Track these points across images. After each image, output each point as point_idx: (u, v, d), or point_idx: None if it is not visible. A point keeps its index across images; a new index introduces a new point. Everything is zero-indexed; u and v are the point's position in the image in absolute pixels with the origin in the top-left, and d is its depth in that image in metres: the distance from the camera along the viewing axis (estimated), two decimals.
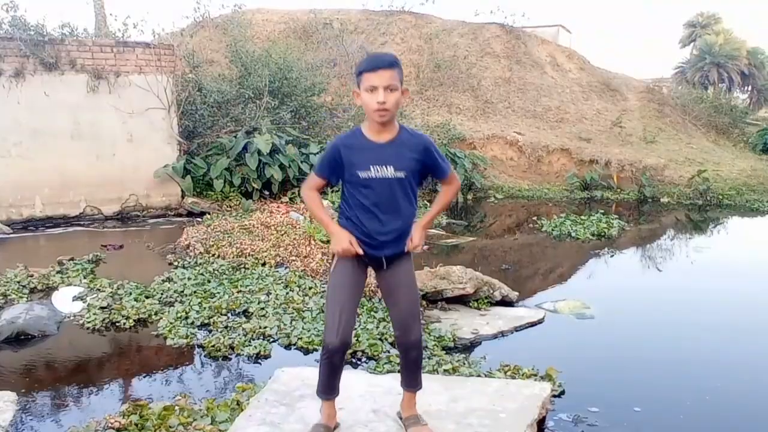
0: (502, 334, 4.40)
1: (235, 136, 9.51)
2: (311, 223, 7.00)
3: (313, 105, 11.45)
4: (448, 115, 13.91)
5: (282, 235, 6.83)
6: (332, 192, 7.95)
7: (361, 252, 2.43)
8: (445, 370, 3.54)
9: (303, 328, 4.22)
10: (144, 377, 3.72)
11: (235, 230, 7.04)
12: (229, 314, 4.61)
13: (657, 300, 5.47)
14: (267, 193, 9.32)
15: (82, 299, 4.92)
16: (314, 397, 2.78)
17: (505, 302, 5.02)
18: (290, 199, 8.99)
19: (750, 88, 38.52)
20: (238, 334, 4.16)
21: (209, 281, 5.34)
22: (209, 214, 8.45)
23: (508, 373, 3.56)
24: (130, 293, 4.98)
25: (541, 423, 2.95)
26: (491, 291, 4.97)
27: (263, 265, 5.89)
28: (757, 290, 5.82)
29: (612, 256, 7.21)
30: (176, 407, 3.01)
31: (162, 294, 4.99)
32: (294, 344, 4.06)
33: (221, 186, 8.99)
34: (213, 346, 3.98)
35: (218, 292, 5.01)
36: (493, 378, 3.40)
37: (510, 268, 6.43)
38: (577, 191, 12.21)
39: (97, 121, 8.54)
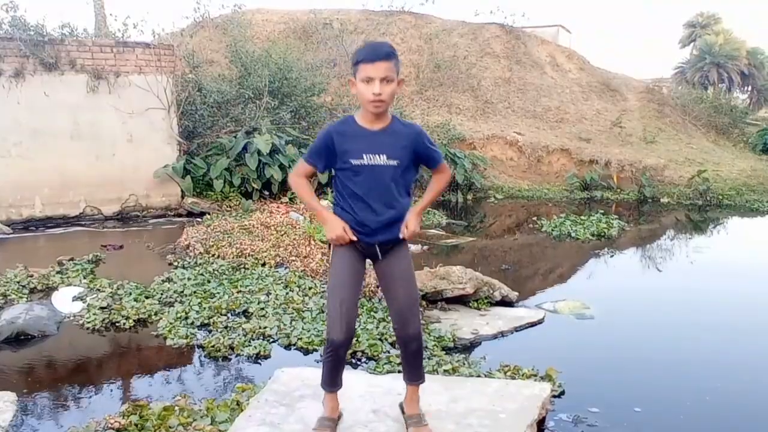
0: (502, 334, 4.39)
1: (235, 137, 9.51)
2: (311, 224, 7.00)
3: (313, 105, 11.44)
4: (448, 116, 13.91)
5: (282, 235, 6.83)
6: (332, 193, 7.94)
7: (354, 238, 2.41)
8: (445, 371, 3.53)
9: (303, 329, 4.22)
10: (144, 377, 3.71)
11: (235, 230, 7.03)
12: (229, 314, 4.61)
13: (657, 300, 5.47)
14: (267, 193, 9.32)
15: (81, 299, 4.92)
16: (314, 397, 2.78)
17: (505, 302, 5.01)
18: (290, 199, 8.99)
19: (750, 88, 38.51)
20: (238, 335, 4.16)
21: (209, 281, 5.34)
22: (209, 214, 8.45)
23: (508, 373, 3.56)
24: (130, 293, 4.98)
25: (541, 423, 2.94)
26: (491, 291, 4.97)
27: (263, 265, 5.89)
28: (756, 290, 5.81)
29: (612, 256, 7.21)
30: (176, 407, 3.01)
31: (162, 294, 4.99)
32: (294, 344, 4.06)
33: (221, 186, 9.00)
34: (213, 346, 3.97)
35: (218, 293, 5.01)
36: (492, 378, 3.39)
37: (510, 269, 6.43)
38: (577, 191, 12.20)
39: (96, 121, 8.54)
